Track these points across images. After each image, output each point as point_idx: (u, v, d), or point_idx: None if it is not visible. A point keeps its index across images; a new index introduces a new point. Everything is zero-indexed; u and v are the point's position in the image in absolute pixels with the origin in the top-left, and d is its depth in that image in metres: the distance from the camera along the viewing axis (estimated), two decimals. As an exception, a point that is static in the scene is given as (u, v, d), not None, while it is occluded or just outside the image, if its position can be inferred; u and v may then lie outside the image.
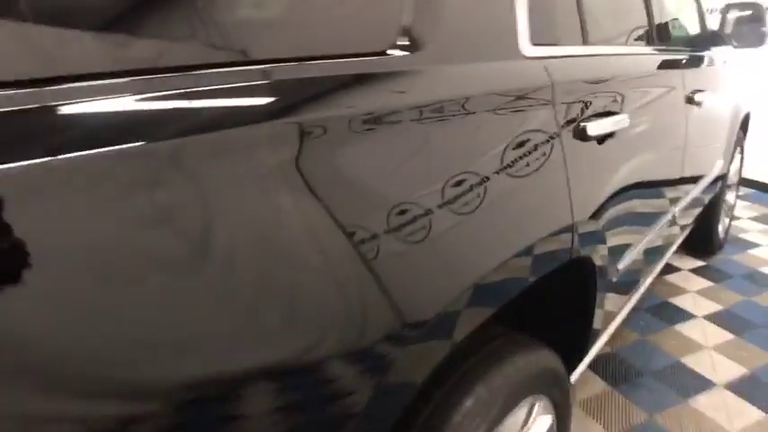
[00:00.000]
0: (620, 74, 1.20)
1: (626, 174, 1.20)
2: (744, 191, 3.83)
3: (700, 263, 2.74)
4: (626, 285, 1.41)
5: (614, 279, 1.25)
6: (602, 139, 1.04)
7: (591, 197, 1.01)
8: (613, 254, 1.20)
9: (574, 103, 0.94)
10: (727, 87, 2.29)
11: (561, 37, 1.02)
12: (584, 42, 1.13)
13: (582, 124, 0.95)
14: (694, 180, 1.95)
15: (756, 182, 3.74)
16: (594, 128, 0.97)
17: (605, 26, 1.33)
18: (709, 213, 2.55)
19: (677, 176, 1.69)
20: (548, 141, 0.86)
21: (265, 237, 0.46)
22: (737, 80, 2.47)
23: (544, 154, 0.85)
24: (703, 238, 2.71)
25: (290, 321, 0.48)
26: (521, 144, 0.79)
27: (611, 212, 1.14)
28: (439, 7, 0.70)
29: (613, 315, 1.41)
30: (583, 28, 1.11)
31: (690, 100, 1.68)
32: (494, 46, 0.80)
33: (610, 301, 1.27)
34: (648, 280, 1.78)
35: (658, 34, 1.69)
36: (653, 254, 1.66)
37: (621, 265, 1.29)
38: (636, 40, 1.57)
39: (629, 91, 1.22)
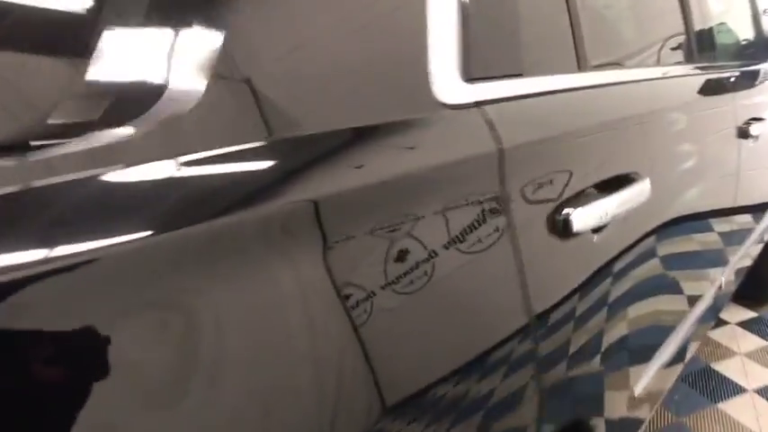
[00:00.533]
0: (638, 112, 0.82)
1: (642, 269, 0.81)
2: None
3: (750, 314, 2.29)
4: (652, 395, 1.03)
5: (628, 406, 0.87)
6: (601, 227, 0.66)
7: (577, 338, 0.63)
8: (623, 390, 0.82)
9: (546, 177, 0.57)
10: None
11: (530, 62, 0.64)
12: (580, 67, 0.75)
13: (563, 213, 0.58)
14: (749, 230, 1.53)
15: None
16: (585, 217, 0.60)
17: (618, 39, 0.95)
18: (764, 254, 2.11)
19: (725, 238, 1.28)
20: (492, 255, 0.49)
21: None
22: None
23: (477, 279, 0.48)
24: (755, 284, 2.25)
25: None
26: (425, 275, 0.43)
27: (619, 338, 0.76)
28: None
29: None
30: (576, 44, 0.73)
31: (744, 133, 1.27)
32: (363, 100, 0.43)
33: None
34: (690, 353, 1.37)
35: (699, 46, 1.29)
36: (697, 328, 1.27)
37: (640, 387, 0.90)
38: (666, 56, 1.17)
39: (652, 137, 0.83)
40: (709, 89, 1.21)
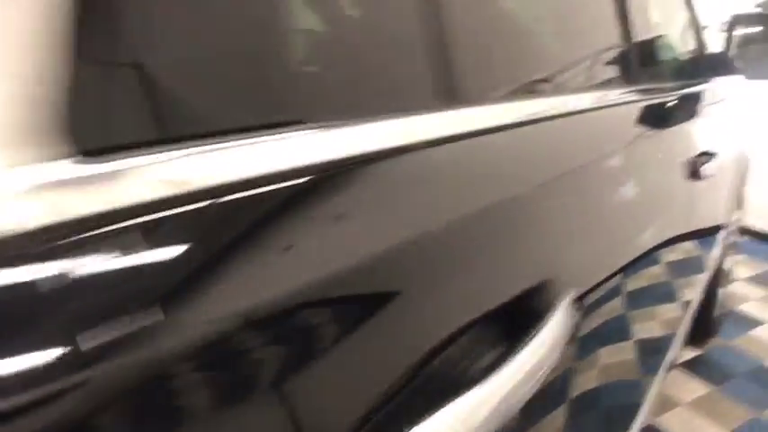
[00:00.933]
0: (555, 171, 0.54)
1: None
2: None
3: (693, 353, 2.10)
4: None
5: None
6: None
7: None
8: None
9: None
10: (736, 135, 1.66)
11: (326, 93, 0.38)
12: (446, 101, 0.46)
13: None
14: (700, 276, 1.31)
15: (751, 230, 3.12)
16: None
17: (521, 51, 0.68)
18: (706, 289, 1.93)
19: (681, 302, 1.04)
20: None
21: None
22: (743, 120, 1.84)
23: None
24: (697, 319, 2.07)
25: None
26: None
27: None
28: None
29: None
30: (438, 60, 0.44)
31: (694, 174, 1.03)
32: None
33: None
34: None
35: (637, 63, 1.04)
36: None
37: None
38: (596, 78, 0.91)
39: (579, 211, 0.56)
40: (653, 119, 0.96)
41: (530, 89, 0.71)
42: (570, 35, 0.93)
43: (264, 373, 0.28)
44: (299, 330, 0.30)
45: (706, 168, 1.05)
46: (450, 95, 0.47)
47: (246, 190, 0.30)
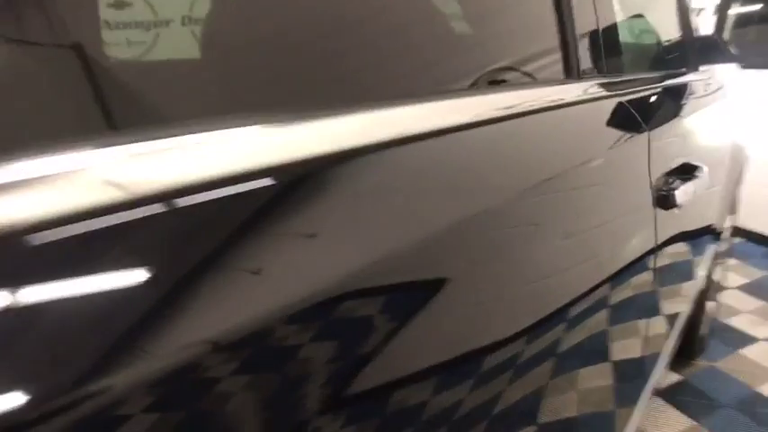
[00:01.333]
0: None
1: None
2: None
3: (675, 376, 1.87)
4: None
5: None
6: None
7: None
8: None
9: None
10: (729, 133, 1.41)
11: None
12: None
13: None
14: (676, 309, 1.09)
15: (746, 230, 2.87)
16: None
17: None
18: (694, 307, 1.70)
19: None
20: None
21: None
22: (737, 115, 1.58)
23: None
24: (682, 338, 1.84)
25: None
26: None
27: None
28: None
29: None
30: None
31: (663, 200, 0.78)
32: None
33: None
34: None
35: (612, 48, 0.80)
36: None
37: None
38: (553, 66, 0.69)
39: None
40: (620, 123, 0.72)
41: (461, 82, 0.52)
42: (520, 12, 0.70)
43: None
44: (256, 358, 0.27)
45: (681, 191, 0.81)
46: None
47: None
